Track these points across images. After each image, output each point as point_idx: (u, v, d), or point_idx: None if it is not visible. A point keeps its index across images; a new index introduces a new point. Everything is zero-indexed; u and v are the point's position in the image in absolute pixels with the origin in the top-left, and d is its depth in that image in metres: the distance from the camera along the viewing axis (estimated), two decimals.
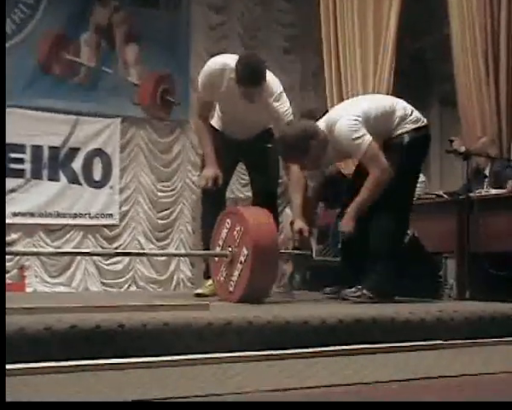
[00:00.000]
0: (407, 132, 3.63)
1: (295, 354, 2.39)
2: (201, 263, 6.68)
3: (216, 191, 4.10)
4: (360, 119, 3.53)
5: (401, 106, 3.73)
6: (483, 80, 5.76)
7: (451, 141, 4.98)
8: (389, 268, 3.56)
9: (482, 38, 5.75)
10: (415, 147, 3.65)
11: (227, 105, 4.01)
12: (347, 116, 3.55)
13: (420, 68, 8.41)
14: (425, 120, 3.76)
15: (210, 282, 4.05)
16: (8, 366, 1.88)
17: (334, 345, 2.51)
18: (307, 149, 3.55)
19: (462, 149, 4.93)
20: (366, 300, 3.44)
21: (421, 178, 6.61)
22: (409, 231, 4.64)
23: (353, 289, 3.52)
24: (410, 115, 3.68)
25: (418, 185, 6.55)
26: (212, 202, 4.21)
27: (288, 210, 6.68)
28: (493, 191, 4.89)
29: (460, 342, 2.75)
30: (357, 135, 3.48)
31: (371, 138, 3.50)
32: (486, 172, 5.46)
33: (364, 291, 3.49)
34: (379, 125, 3.61)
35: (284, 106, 3.86)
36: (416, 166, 3.82)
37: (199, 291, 4.20)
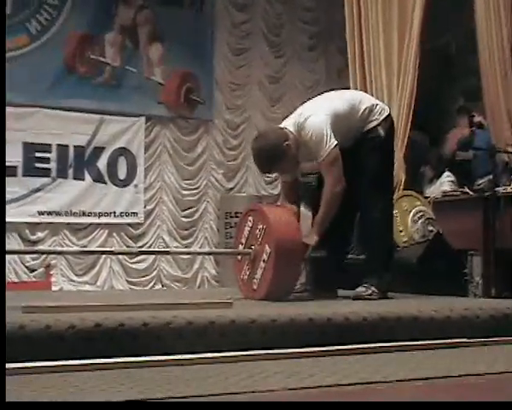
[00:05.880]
0: (378, 125, 3.67)
1: (319, 351, 2.39)
2: (226, 260, 6.68)
3: None
4: (329, 117, 3.51)
5: (367, 98, 3.86)
6: (509, 75, 5.69)
7: (473, 116, 4.91)
8: (388, 262, 3.64)
9: (508, 32, 5.69)
10: (389, 137, 3.76)
11: None
12: (316, 115, 3.52)
13: (444, 62, 8.33)
14: (388, 109, 3.84)
15: None
16: (28, 364, 1.90)
17: (358, 343, 2.51)
18: (284, 154, 3.48)
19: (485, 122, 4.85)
20: (377, 297, 3.45)
21: (451, 177, 6.57)
22: (433, 228, 4.62)
23: (363, 289, 3.50)
24: (376, 107, 3.72)
25: (448, 183, 6.50)
26: None
27: (303, 208, 6.61)
28: None
29: (485, 340, 2.72)
30: (323, 135, 3.44)
31: (335, 143, 3.45)
32: None
33: (373, 288, 3.49)
34: (349, 117, 3.62)
35: None
36: (392, 155, 3.94)
37: None
